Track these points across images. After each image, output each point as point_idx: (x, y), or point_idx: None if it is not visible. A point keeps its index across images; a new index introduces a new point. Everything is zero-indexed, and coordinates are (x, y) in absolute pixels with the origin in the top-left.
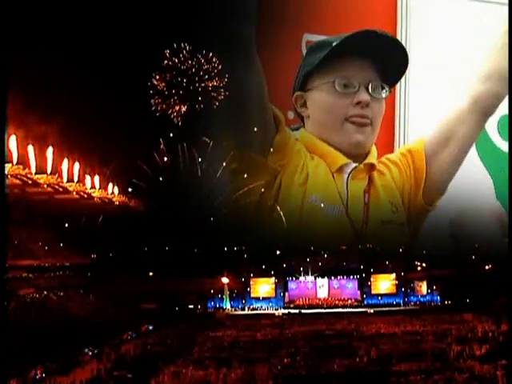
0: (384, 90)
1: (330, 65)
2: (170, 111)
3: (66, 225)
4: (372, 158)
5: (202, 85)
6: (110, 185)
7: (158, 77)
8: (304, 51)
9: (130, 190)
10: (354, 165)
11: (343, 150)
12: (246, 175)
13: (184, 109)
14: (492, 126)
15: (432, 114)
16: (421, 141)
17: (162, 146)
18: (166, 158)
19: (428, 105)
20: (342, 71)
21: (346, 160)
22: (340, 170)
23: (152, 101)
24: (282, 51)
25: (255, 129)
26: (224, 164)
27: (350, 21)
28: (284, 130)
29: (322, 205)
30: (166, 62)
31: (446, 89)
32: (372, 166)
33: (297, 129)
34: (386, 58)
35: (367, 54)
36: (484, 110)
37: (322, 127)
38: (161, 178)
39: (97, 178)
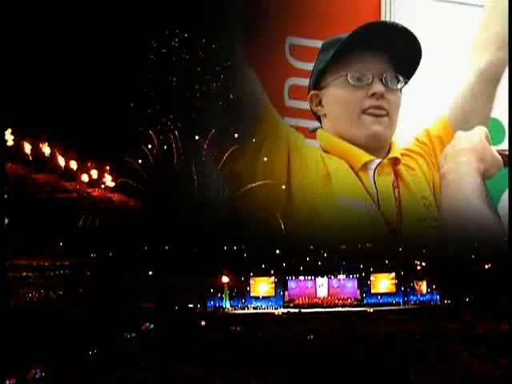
0: (400, 82)
1: (343, 60)
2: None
3: (66, 224)
4: (395, 151)
5: (204, 88)
6: (110, 184)
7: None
8: (288, 54)
9: (128, 189)
10: (378, 160)
11: (362, 143)
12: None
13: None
14: None
15: (415, 116)
16: (443, 119)
17: (155, 143)
18: (159, 155)
19: (411, 109)
20: (354, 65)
21: (369, 157)
22: (364, 167)
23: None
24: (266, 55)
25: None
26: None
27: (333, 24)
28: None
29: (352, 204)
30: (151, 56)
31: (430, 90)
32: (397, 160)
33: (314, 130)
34: (397, 49)
35: (379, 46)
36: (491, 78)
37: (339, 122)
38: (158, 176)
39: (95, 177)
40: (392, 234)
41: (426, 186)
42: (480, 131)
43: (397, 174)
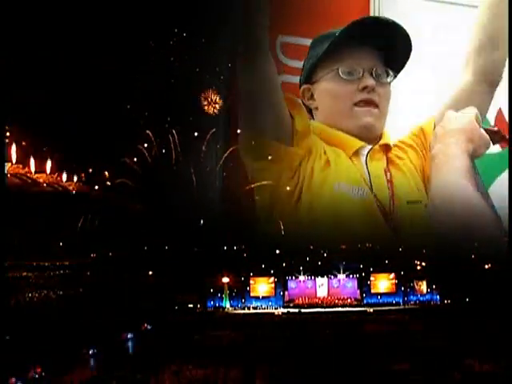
0: (389, 75)
1: (334, 55)
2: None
3: (66, 224)
4: (386, 139)
5: (202, 95)
6: (109, 184)
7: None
8: (280, 54)
9: (127, 189)
10: (369, 146)
11: (354, 134)
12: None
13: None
14: None
15: (410, 112)
16: (432, 121)
17: (154, 143)
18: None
19: (402, 107)
20: (345, 59)
21: (361, 143)
22: (356, 153)
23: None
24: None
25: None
26: (225, 156)
27: (323, 21)
28: (304, 116)
29: (347, 189)
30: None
31: (426, 87)
32: (387, 147)
33: None
34: (388, 44)
35: (370, 41)
36: (490, 79)
37: (331, 115)
38: (157, 176)
39: (95, 177)
40: (385, 217)
41: (415, 172)
42: (470, 112)
43: (388, 160)
